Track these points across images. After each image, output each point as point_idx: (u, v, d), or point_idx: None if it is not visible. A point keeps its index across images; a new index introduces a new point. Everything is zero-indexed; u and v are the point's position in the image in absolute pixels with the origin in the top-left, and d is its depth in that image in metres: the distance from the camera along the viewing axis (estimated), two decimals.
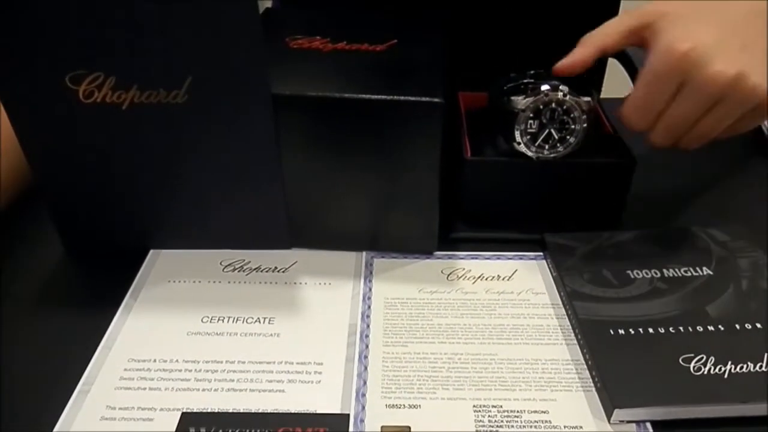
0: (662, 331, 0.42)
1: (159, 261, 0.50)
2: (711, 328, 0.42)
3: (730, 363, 0.39)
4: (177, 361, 0.42)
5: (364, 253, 0.51)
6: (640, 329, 0.42)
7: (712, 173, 0.61)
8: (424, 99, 0.42)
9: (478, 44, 0.64)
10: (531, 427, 0.38)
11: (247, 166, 0.45)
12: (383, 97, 0.42)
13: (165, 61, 0.40)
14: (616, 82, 0.85)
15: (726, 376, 0.39)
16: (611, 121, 0.55)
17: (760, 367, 0.39)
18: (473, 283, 0.48)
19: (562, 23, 0.60)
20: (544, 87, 0.47)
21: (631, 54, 0.57)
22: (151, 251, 0.51)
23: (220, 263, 0.50)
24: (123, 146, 0.44)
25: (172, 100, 0.42)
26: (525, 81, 0.50)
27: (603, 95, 0.65)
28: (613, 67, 0.88)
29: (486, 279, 0.49)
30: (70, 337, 0.43)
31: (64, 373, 0.40)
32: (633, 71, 0.76)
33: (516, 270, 0.50)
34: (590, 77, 0.49)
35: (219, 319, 0.45)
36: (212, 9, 0.38)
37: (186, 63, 0.40)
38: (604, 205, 0.52)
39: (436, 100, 0.42)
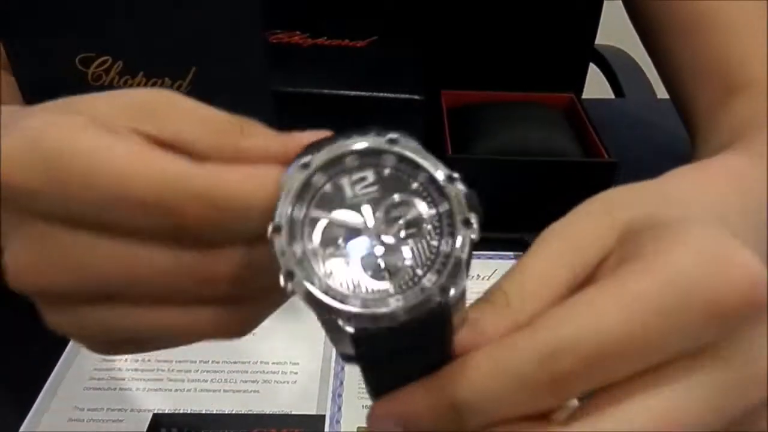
0: None
1: None
2: None
3: None
4: (149, 360, 0.41)
5: None
6: None
7: None
8: (403, 96, 0.42)
9: (462, 41, 0.64)
10: None
11: None
12: (363, 93, 0.42)
13: (171, 50, 0.40)
14: (598, 83, 0.85)
15: None
16: (592, 121, 0.55)
17: None
18: None
19: (546, 21, 0.60)
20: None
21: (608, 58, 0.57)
22: None
23: None
24: None
25: (177, 90, 0.42)
26: None
27: (585, 95, 0.65)
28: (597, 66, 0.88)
29: None
30: (37, 335, 0.42)
31: (30, 373, 0.39)
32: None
33: (496, 270, 0.49)
34: (571, 77, 0.49)
35: None
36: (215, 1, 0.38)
37: (191, 54, 0.40)
38: None
39: (415, 97, 0.42)
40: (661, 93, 0.66)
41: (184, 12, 0.38)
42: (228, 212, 0.20)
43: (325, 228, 0.19)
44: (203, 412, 0.38)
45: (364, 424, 0.37)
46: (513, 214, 0.52)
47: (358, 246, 0.19)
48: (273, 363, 0.41)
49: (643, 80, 0.84)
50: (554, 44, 0.61)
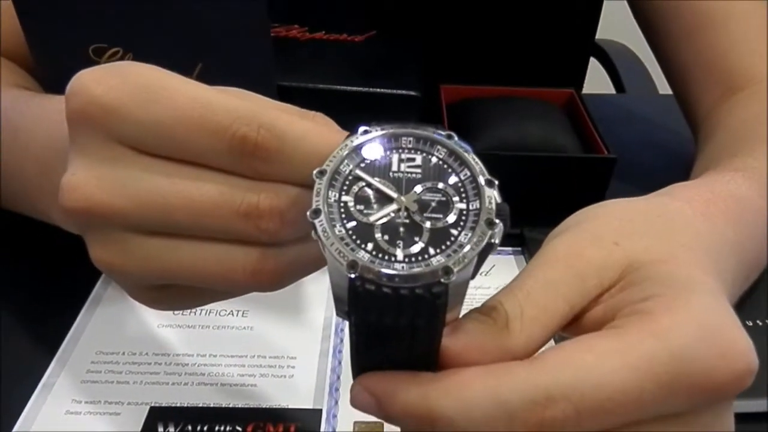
0: None
1: None
2: None
3: None
4: (146, 354, 0.41)
5: None
6: None
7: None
8: (400, 92, 0.41)
9: (462, 36, 0.64)
10: None
11: None
12: (359, 89, 0.42)
13: (178, 44, 0.40)
14: (599, 78, 0.85)
15: None
16: (592, 116, 0.55)
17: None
18: None
19: (546, 15, 0.60)
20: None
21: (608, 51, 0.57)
22: None
23: None
24: None
25: None
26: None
27: (585, 90, 0.65)
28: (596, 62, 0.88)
29: None
30: (35, 328, 0.42)
31: (27, 366, 0.39)
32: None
33: (494, 265, 0.49)
34: (571, 72, 0.49)
35: (191, 311, 0.44)
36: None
37: (197, 49, 0.40)
38: (583, 201, 0.52)
39: (412, 93, 0.41)
40: (662, 88, 0.66)
41: (194, 8, 0.39)
42: (287, 146, 0.22)
43: (363, 187, 0.22)
44: (200, 405, 0.38)
45: (360, 419, 0.37)
46: (512, 209, 0.52)
47: (385, 211, 0.21)
48: (270, 357, 0.41)
49: (644, 75, 0.83)
50: (555, 39, 0.60)
